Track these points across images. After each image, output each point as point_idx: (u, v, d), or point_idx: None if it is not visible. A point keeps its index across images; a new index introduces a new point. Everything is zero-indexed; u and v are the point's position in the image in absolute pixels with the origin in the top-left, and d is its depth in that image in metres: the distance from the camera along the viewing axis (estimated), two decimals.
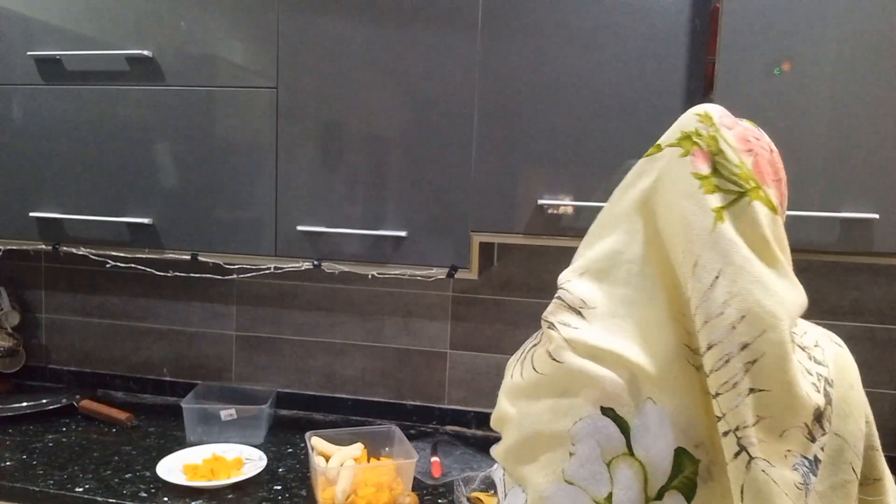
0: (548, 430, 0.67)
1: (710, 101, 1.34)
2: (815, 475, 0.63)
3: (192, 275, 1.91)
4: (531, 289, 1.80)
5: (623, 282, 0.68)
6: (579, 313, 0.69)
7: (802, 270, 1.65)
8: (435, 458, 1.61)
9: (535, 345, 0.74)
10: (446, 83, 1.46)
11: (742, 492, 0.61)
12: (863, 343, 1.65)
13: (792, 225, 1.31)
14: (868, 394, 1.72)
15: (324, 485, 1.39)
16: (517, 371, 0.73)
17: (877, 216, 1.27)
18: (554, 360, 0.69)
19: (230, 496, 1.42)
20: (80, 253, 1.67)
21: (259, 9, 1.52)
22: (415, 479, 1.49)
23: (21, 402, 1.80)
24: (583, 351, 0.67)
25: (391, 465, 1.47)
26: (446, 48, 1.45)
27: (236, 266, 1.72)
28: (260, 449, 1.62)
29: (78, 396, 1.86)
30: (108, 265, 1.73)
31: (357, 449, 1.53)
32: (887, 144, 1.26)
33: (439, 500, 1.45)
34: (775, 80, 1.28)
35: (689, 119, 0.75)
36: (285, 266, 1.58)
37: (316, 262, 1.55)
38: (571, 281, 0.72)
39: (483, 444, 1.75)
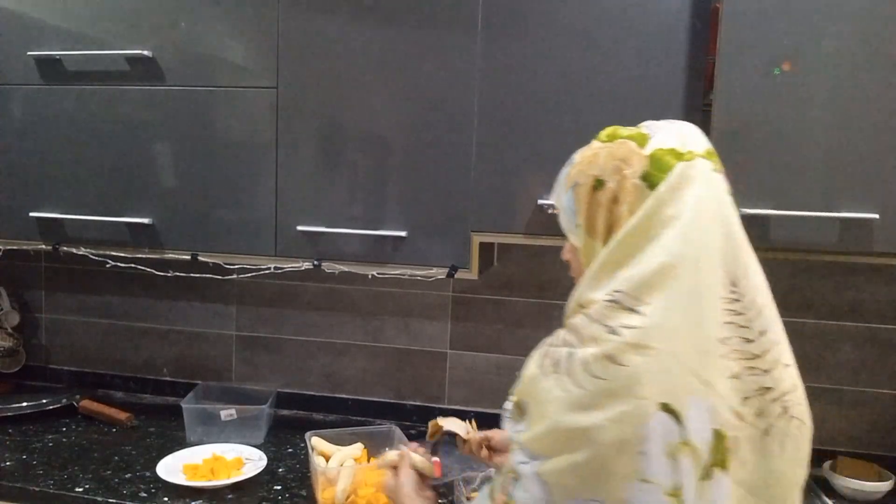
0: (619, 437, 0.69)
1: (710, 101, 1.34)
2: None
3: (192, 275, 1.91)
4: (531, 289, 1.80)
5: (683, 277, 0.73)
6: (635, 311, 0.72)
7: (802, 270, 1.65)
8: (435, 459, 1.61)
9: (570, 352, 0.74)
10: (446, 83, 1.45)
11: (784, 445, 0.74)
12: (863, 343, 1.65)
13: (792, 225, 1.31)
14: (868, 394, 1.72)
15: (324, 485, 1.39)
16: (566, 383, 0.72)
17: (877, 216, 1.27)
18: (618, 364, 0.70)
19: (230, 496, 1.42)
20: (80, 253, 1.67)
21: (259, 9, 1.51)
22: None
23: (21, 402, 1.80)
24: (643, 351, 0.70)
25: None
26: (446, 48, 1.45)
27: (236, 266, 1.72)
28: (260, 449, 1.62)
29: (78, 396, 1.86)
30: (108, 265, 1.73)
31: (357, 449, 1.53)
32: (887, 144, 1.26)
33: (439, 500, 1.45)
34: (775, 80, 1.28)
35: (698, 136, 0.81)
36: (285, 266, 1.58)
37: (316, 262, 1.55)
38: (632, 277, 0.74)
39: None
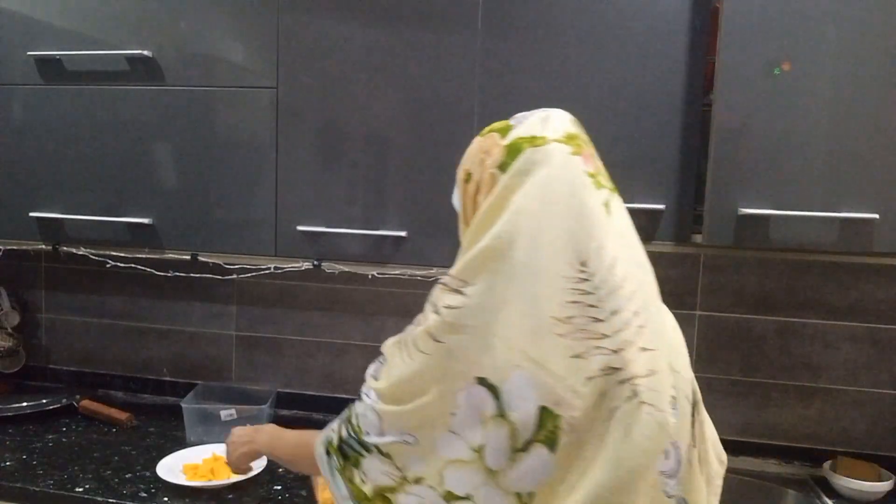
0: (438, 401, 0.78)
1: (711, 100, 1.34)
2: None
3: (192, 275, 1.91)
4: None
5: (507, 259, 0.76)
6: (459, 292, 0.78)
7: (802, 270, 1.65)
8: None
9: (413, 329, 0.84)
10: (446, 83, 1.45)
11: (630, 428, 0.72)
12: (863, 343, 1.65)
13: (792, 225, 1.31)
14: (868, 394, 1.73)
15: (324, 485, 1.39)
16: (403, 355, 0.82)
17: (877, 216, 1.27)
18: (436, 340, 0.78)
19: (230, 496, 1.42)
20: (80, 253, 1.67)
21: (259, 9, 1.51)
22: None
23: (21, 402, 1.80)
24: (459, 329, 0.77)
25: None
26: (446, 48, 1.45)
27: (236, 266, 1.72)
28: None
29: (78, 396, 1.86)
30: (108, 265, 1.73)
31: None
32: (887, 144, 1.26)
33: None
34: (775, 80, 1.28)
35: (566, 120, 0.85)
36: (285, 266, 1.58)
37: (316, 262, 1.55)
38: (459, 264, 0.81)
39: None
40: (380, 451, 0.83)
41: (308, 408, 1.94)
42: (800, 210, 1.29)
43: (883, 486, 1.49)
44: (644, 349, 0.74)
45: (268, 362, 1.97)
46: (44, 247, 1.68)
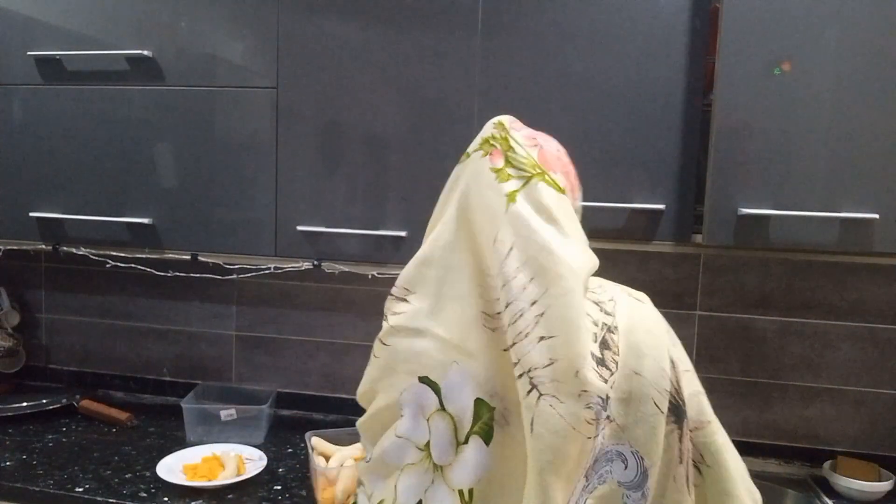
0: (387, 403, 0.82)
1: (710, 100, 1.35)
2: (605, 410, 0.73)
3: (192, 275, 1.91)
4: None
5: (437, 265, 0.83)
6: (405, 300, 0.85)
7: (802, 270, 1.65)
8: None
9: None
10: (446, 83, 1.45)
11: (532, 423, 0.71)
12: (863, 343, 1.65)
13: (792, 225, 1.31)
14: (868, 394, 1.72)
15: (324, 485, 1.39)
16: (370, 358, 0.88)
17: (877, 216, 1.27)
18: (384, 344, 0.85)
19: (230, 496, 1.42)
20: (80, 253, 1.67)
21: (259, 9, 1.51)
22: None
23: (21, 402, 1.80)
24: (403, 332, 0.82)
25: None
26: (446, 48, 1.45)
27: (236, 266, 1.72)
28: (260, 449, 1.62)
29: (78, 396, 1.86)
30: (108, 265, 1.73)
31: (357, 449, 1.53)
32: (887, 144, 1.26)
33: None
34: (775, 80, 1.28)
35: (487, 128, 0.87)
36: (285, 266, 1.58)
37: (316, 262, 1.55)
38: (404, 276, 0.87)
39: None
40: (361, 482, 0.87)
41: (308, 408, 1.94)
42: (800, 210, 1.29)
43: (883, 486, 1.49)
44: (542, 338, 0.72)
45: (268, 362, 1.97)
46: (44, 247, 1.68)
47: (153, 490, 1.43)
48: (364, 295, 1.89)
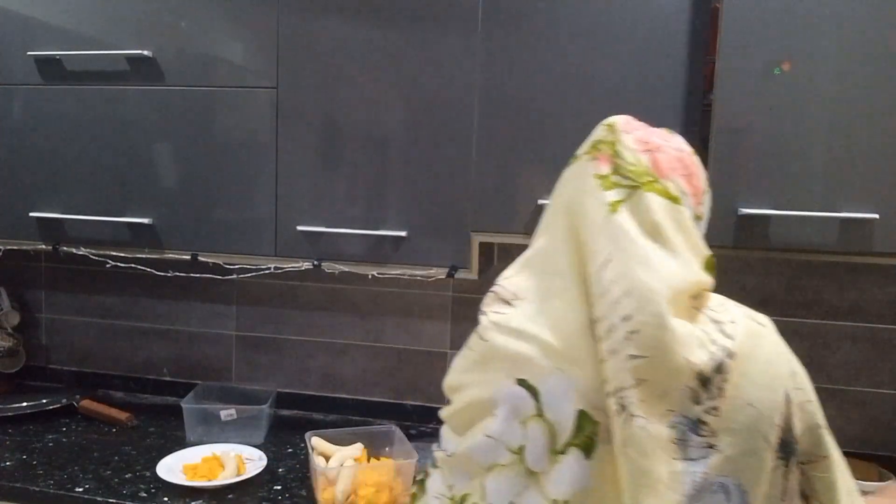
0: (478, 399, 0.81)
1: (711, 101, 1.34)
2: (697, 434, 0.70)
3: (192, 275, 1.91)
4: None
5: (544, 268, 0.81)
6: (509, 303, 0.82)
7: (802, 270, 1.65)
8: None
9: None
10: (446, 83, 1.45)
11: (622, 444, 0.69)
12: (863, 343, 1.65)
13: (792, 225, 1.31)
14: (868, 394, 1.72)
15: (324, 485, 1.39)
16: (463, 350, 0.86)
17: (877, 216, 1.27)
18: (482, 339, 0.82)
19: (230, 496, 1.42)
20: (80, 253, 1.67)
21: (259, 9, 1.52)
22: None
23: (21, 402, 1.80)
24: (504, 331, 0.79)
25: (391, 465, 1.47)
26: (446, 48, 1.45)
27: (236, 266, 1.72)
28: (260, 449, 1.62)
29: (78, 396, 1.86)
30: (108, 265, 1.73)
31: (357, 449, 1.53)
32: (887, 144, 1.26)
33: None
34: (775, 80, 1.28)
35: (597, 129, 0.85)
36: (285, 266, 1.58)
37: (316, 262, 1.55)
38: (509, 277, 0.85)
39: None
40: (437, 466, 0.86)
41: (308, 408, 1.94)
42: (800, 210, 1.29)
43: (883, 486, 1.49)
44: (633, 357, 0.70)
45: (268, 362, 1.97)
46: (44, 247, 1.68)
47: (153, 490, 1.43)
48: (364, 295, 1.89)
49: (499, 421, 0.77)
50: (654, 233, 0.75)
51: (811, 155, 1.29)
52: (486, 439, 0.78)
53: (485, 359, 0.81)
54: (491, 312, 0.83)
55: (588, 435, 0.72)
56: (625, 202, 0.77)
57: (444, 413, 0.87)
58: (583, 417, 0.72)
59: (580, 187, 0.80)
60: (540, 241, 0.84)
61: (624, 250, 0.74)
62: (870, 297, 1.64)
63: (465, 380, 0.84)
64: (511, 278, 0.84)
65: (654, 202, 0.77)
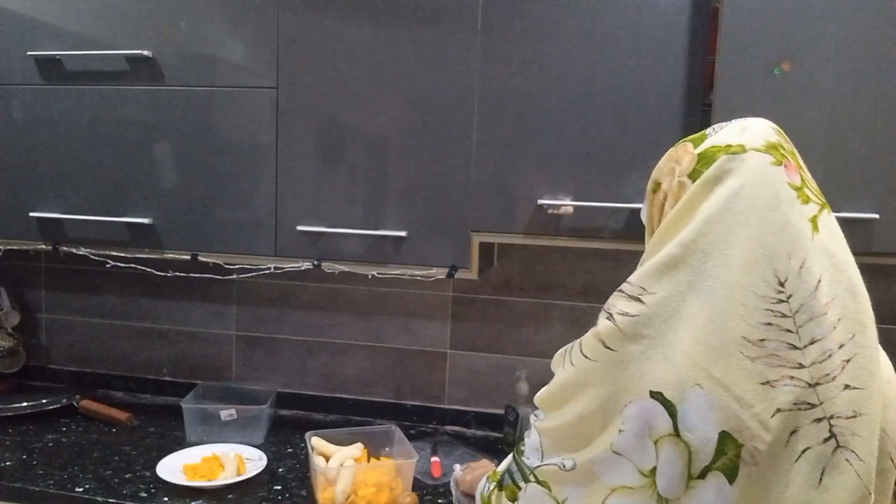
0: (601, 412, 0.73)
1: (711, 101, 1.34)
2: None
3: (192, 275, 1.91)
4: (531, 289, 1.80)
5: (688, 269, 0.72)
6: (638, 300, 0.73)
7: None
8: (435, 458, 1.61)
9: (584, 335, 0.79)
10: (446, 83, 1.45)
11: (822, 474, 0.65)
12: None
13: None
14: None
15: (324, 485, 1.39)
16: (567, 361, 0.79)
17: (877, 216, 1.27)
18: (607, 347, 0.73)
19: (230, 496, 1.42)
20: (80, 253, 1.67)
21: (259, 9, 1.52)
22: (415, 479, 1.49)
23: (21, 402, 1.80)
24: (635, 338, 0.72)
25: (391, 465, 1.47)
26: (446, 48, 1.45)
27: (236, 266, 1.72)
28: (260, 449, 1.62)
29: (78, 396, 1.86)
30: (108, 265, 1.73)
31: (357, 449, 1.53)
32: (887, 144, 1.26)
33: (439, 500, 1.45)
34: (775, 80, 1.28)
35: (765, 129, 0.77)
36: (285, 266, 1.58)
37: (316, 262, 1.55)
38: (636, 272, 0.76)
39: (483, 444, 1.75)
40: (537, 480, 0.80)
41: (308, 408, 1.94)
42: None
43: None
44: (848, 387, 0.67)
45: (268, 362, 1.97)
46: (44, 247, 1.68)
47: (153, 490, 1.43)
48: (364, 295, 1.89)
49: (628, 437, 0.70)
50: (846, 255, 0.74)
51: (811, 155, 1.28)
52: (613, 455, 0.72)
53: (610, 369, 0.73)
54: (616, 315, 0.74)
55: (731, 458, 0.66)
56: (820, 218, 0.73)
57: (545, 426, 0.81)
58: (725, 438, 0.66)
59: (773, 194, 0.71)
60: (685, 233, 0.73)
61: (833, 273, 0.70)
62: (870, 297, 1.63)
63: (576, 391, 0.76)
64: (644, 274, 0.75)
65: (835, 223, 0.75)
